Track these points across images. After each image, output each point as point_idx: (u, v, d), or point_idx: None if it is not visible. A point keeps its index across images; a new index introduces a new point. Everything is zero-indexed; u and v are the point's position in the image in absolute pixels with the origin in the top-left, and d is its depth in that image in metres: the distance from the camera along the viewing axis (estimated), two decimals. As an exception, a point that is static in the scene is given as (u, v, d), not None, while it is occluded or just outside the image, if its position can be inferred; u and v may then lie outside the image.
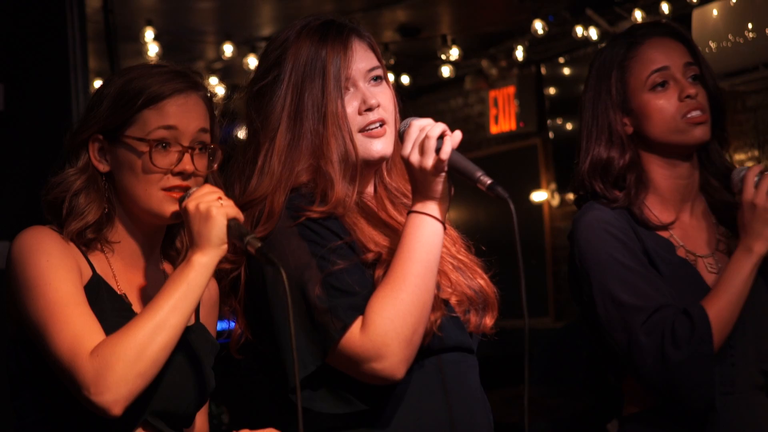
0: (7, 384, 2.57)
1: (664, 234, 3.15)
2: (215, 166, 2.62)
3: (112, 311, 2.52)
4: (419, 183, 2.58)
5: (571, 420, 7.08)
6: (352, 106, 2.68)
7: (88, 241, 2.57)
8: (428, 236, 2.57)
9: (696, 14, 7.66)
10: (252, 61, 8.96)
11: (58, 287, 2.44)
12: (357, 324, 2.52)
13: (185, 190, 2.55)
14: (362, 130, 2.68)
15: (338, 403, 2.58)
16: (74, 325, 2.40)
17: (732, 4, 7.45)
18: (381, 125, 2.69)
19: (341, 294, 2.54)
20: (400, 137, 2.63)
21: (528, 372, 2.57)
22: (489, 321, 2.74)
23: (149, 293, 2.61)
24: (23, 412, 2.55)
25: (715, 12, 7.57)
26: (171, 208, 2.56)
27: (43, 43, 5.31)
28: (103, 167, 2.59)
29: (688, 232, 3.19)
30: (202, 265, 2.45)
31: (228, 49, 8.91)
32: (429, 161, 2.54)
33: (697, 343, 2.95)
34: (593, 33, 8.81)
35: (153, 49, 8.51)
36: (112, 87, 2.58)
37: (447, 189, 2.59)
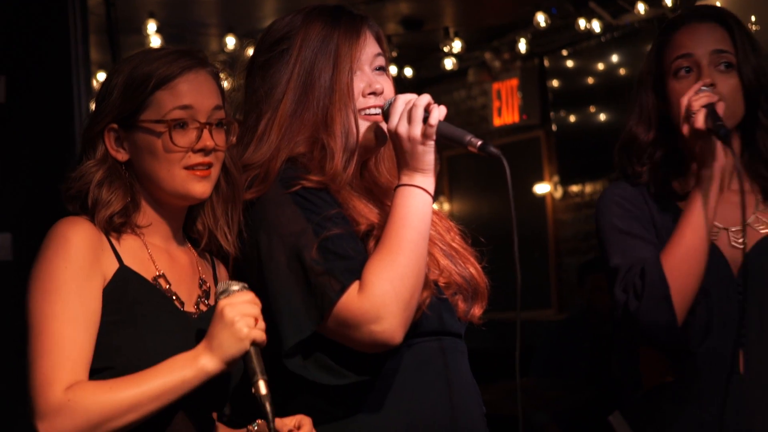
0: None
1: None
2: (233, 139, 2.60)
3: (151, 302, 2.50)
4: (408, 154, 2.59)
5: (573, 412, 7.10)
6: (357, 87, 2.70)
7: (118, 226, 2.53)
8: (419, 206, 2.58)
9: (699, 7, 7.69)
10: (254, 54, 9.01)
11: (66, 302, 2.40)
12: (354, 286, 2.52)
13: (208, 167, 2.54)
14: (361, 111, 2.70)
15: (328, 375, 2.58)
16: (61, 351, 2.37)
17: (735, -4, 7.47)
18: (380, 112, 2.71)
19: (338, 257, 2.54)
20: (385, 116, 2.65)
21: (519, 358, 2.57)
22: (477, 311, 2.75)
23: (184, 273, 2.61)
24: None
25: (718, 5, 7.58)
26: (195, 186, 2.54)
27: (45, 35, 5.31)
28: (121, 156, 2.55)
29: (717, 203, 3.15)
30: (204, 372, 2.38)
31: (230, 42, 8.94)
32: (417, 129, 2.56)
33: (649, 289, 3.00)
34: (596, 26, 8.89)
35: (155, 42, 8.55)
36: (120, 76, 2.55)
37: (436, 161, 2.62)
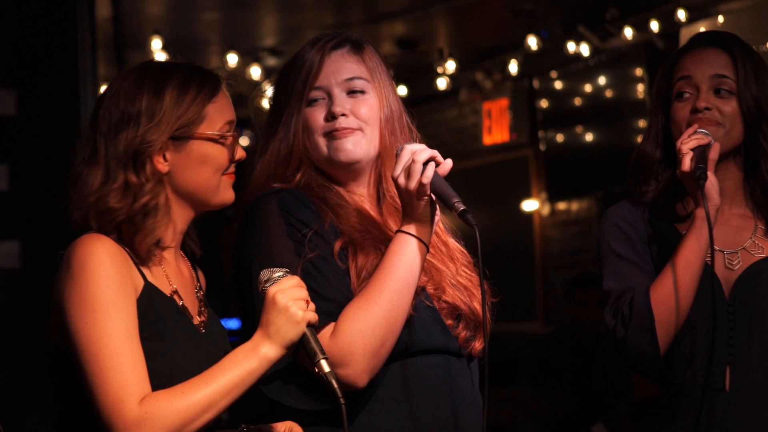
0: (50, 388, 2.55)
1: (684, 227, 3.14)
2: None
3: (171, 318, 2.52)
4: (406, 204, 2.68)
5: (558, 422, 7.19)
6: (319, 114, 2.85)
7: (150, 254, 2.53)
8: (409, 255, 2.66)
9: (684, 33, 7.79)
10: (255, 71, 9.08)
11: (115, 319, 2.38)
12: (328, 329, 2.62)
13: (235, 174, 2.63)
14: (327, 134, 2.84)
15: (305, 399, 2.65)
16: (125, 368, 2.36)
17: (719, 24, 7.61)
18: (350, 131, 2.83)
19: (317, 297, 2.61)
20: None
21: (487, 380, 2.63)
22: (478, 345, 2.82)
23: (188, 284, 2.65)
24: (69, 414, 2.52)
25: (702, 30, 7.74)
26: (231, 192, 2.62)
27: (54, 51, 5.47)
28: (165, 168, 2.55)
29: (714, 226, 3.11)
30: (267, 359, 2.42)
31: (232, 59, 8.98)
32: (413, 184, 2.63)
33: (636, 318, 3.02)
34: (584, 49, 8.95)
35: (160, 58, 8.58)
36: (163, 92, 2.53)
37: (430, 212, 2.68)
